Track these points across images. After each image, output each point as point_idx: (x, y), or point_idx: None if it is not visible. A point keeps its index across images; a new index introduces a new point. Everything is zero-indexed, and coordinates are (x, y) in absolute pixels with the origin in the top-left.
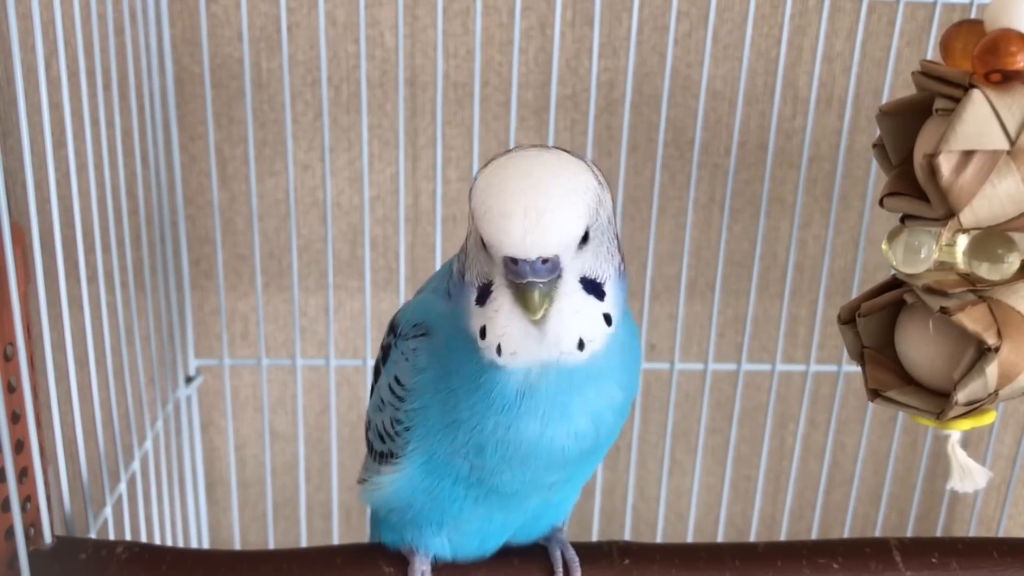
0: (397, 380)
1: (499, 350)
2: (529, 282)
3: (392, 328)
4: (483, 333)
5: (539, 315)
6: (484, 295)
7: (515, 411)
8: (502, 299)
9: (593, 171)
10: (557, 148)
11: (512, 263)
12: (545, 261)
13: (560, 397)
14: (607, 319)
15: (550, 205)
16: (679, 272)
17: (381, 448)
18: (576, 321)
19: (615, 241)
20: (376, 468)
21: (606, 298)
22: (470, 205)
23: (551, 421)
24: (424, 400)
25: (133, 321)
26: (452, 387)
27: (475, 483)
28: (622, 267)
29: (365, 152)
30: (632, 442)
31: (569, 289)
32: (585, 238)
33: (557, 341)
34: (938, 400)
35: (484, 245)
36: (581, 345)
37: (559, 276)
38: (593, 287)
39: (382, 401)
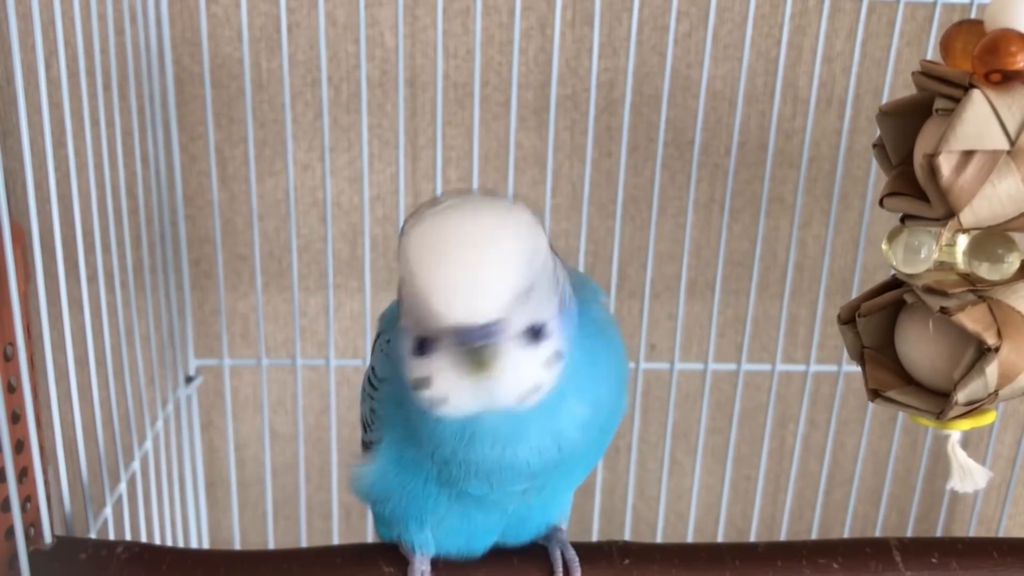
0: (374, 371)
1: (443, 404)
2: (475, 346)
3: (380, 320)
4: (424, 384)
5: (488, 375)
6: (423, 347)
7: (466, 440)
8: (446, 359)
9: (526, 216)
10: (484, 196)
11: (455, 331)
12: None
13: (509, 427)
14: (558, 355)
15: (490, 274)
16: (679, 272)
17: (366, 438)
18: (525, 371)
19: (555, 271)
20: (364, 458)
21: (552, 336)
22: (401, 264)
23: (508, 444)
24: (389, 409)
25: (133, 321)
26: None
27: (446, 484)
28: (567, 290)
29: (365, 152)
30: (632, 442)
31: (515, 343)
32: (526, 290)
33: (507, 394)
34: (938, 400)
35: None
36: (533, 391)
37: (503, 332)
38: (537, 333)
39: (362, 390)
